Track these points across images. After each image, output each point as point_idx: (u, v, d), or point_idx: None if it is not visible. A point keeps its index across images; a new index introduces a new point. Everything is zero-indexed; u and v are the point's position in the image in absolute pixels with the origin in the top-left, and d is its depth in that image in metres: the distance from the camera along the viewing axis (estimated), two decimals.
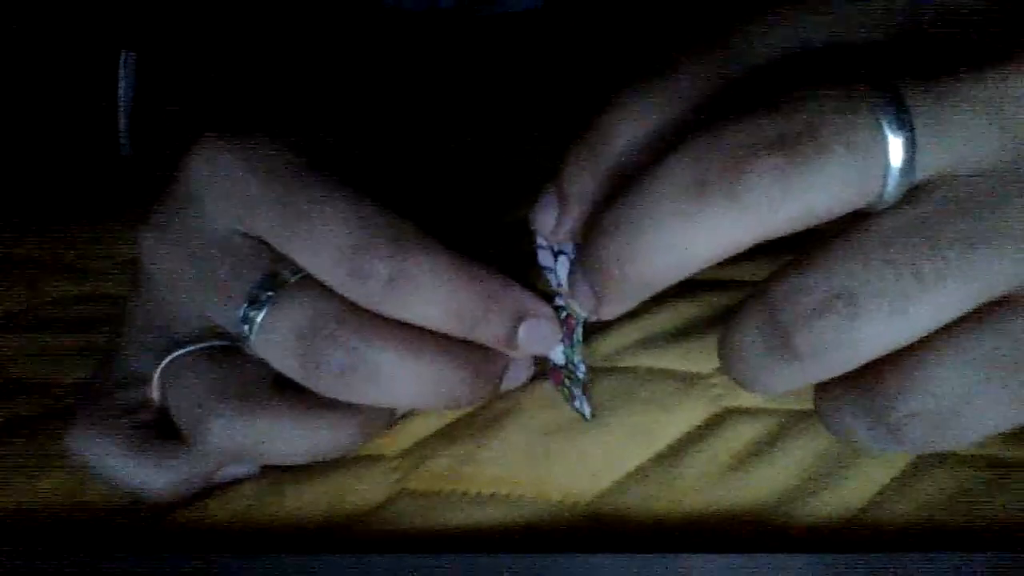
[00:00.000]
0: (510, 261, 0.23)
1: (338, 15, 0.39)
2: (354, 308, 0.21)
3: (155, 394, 0.23)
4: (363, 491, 0.24)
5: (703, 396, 0.25)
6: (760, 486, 0.23)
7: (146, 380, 0.23)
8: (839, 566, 0.20)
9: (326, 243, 0.20)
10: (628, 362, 0.26)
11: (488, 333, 0.21)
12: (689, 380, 0.25)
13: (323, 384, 0.21)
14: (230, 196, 0.21)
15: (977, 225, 0.16)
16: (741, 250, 0.16)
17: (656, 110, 0.18)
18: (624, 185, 0.17)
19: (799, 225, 0.16)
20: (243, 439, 0.22)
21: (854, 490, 0.22)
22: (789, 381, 0.17)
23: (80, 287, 0.33)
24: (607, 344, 0.26)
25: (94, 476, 0.23)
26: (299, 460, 0.22)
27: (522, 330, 0.21)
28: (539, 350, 0.22)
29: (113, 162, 0.32)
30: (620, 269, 0.17)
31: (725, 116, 0.16)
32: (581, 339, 0.23)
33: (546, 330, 0.22)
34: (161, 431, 0.23)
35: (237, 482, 0.24)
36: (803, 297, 0.16)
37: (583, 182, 0.19)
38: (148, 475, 0.23)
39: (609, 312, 0.19)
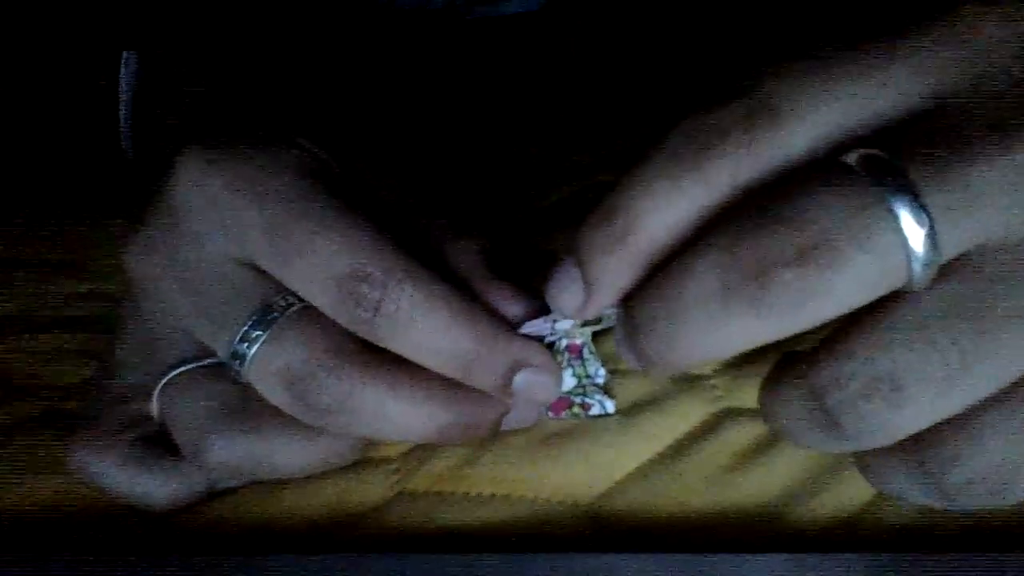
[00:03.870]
0: (508, 265, 0.23)
1: (332, 11, 0.39)
2: (347, 345, 0.21)
3: (155, 410, 0.23)
4: (364, 492, 0.24)
5: (703, 396, 0.25)
6: (760, 486, 0.23)
7: (145, 395, 0.23)
8: (839, 566, 0.20)
9: (317, 271, 0.20)
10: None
11: (482, 379, 0.21)
12: (689, 380, 0.25)
13: (312, 420, 0.21)
14: (219, 221, 0.21)
15: (1020, 296, 0.15)
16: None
17: (688, 199, 0.17)
18: (654, 274, 0.17)
19: (826, 320, 0.16)
20: (242, 457, 0.22)
21: (854, 490, 0.22)
22: (837, 448, 0.17)
23: (80, 287, 0.33)
24: (609, 346, 0.26)
25: (96, 490, 0.23)
26: (298, 475, 0.23)
27: (519, 379, 0.21)
28: (539, 400, 0.22)
29: (114, 162, 0.32)
30: (658, 358, 0.17)
31: (750, 212, 0.16)
32: (593, 349, 0.23)
33: (546, 381, 0.22)
34: (162, 444, 0.23)
35: None
36: (847, 382, 0.16)
37: (612, 271, 0.18)
38: (149, 488, 0.23)
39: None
